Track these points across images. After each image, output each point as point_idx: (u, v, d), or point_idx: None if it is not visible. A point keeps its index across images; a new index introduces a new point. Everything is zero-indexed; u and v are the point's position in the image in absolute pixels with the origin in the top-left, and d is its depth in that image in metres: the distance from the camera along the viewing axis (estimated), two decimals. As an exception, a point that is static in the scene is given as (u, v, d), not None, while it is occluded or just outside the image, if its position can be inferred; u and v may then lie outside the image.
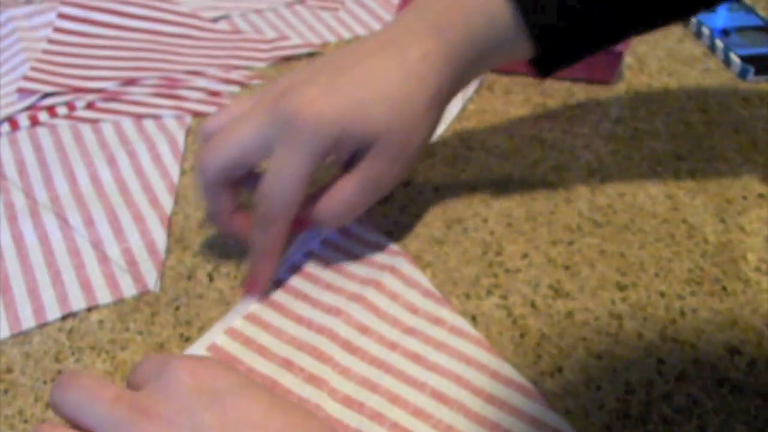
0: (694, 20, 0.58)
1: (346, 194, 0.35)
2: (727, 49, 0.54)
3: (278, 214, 0.35)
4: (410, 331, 0.35)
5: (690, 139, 0.48)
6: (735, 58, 0.54)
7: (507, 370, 0.33)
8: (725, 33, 0.56)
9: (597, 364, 0.34)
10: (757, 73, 0.52)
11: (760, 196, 0.43)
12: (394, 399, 0.32)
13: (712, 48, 0.56)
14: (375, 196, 0.36)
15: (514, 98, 0.51)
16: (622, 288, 0.38)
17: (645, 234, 0.41)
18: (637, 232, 0.41)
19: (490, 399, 0.32)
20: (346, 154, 0.35)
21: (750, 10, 0.60)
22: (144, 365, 0.29)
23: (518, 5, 0.35)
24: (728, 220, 0.42)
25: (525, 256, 0.40)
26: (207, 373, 0.26)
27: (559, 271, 0.39)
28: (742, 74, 0.53)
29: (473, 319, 0.36)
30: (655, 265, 0.39)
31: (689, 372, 0.34)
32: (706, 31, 0.57)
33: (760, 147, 0.47)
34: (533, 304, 0.37)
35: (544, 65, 0.38)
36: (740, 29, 0.57)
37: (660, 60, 0.55)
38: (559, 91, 0.52)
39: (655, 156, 0.46)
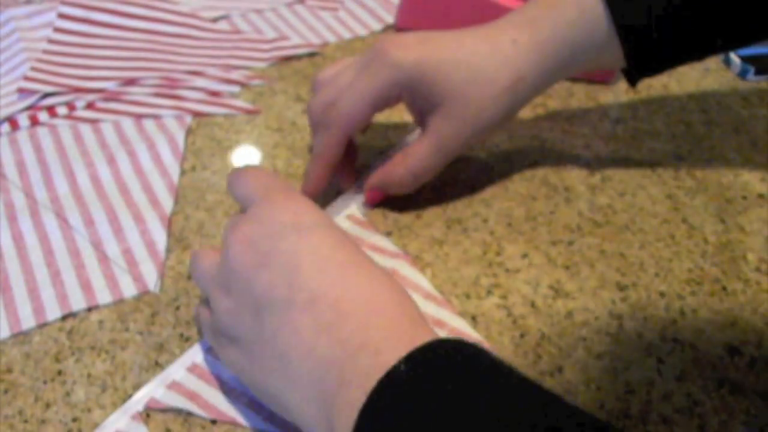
0: (694, 20, 0.58)
1: (418, 155, 0.39)
2: (727, 49, 0.54)
3: (337, 122, 0.38)
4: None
5: (690, 139, 0.48)
6: (735, 58, 0.54)
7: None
8: (725, 33, 0.56)
9: (597, 364, 0.34)
10: (757, 73, 0.52)
11: (760, 196, 0.43)
12: None
13: (712, 48, 0.56)
14: (443, 159, 0.40)
15: (514, 98, 0.51)
16: (622, 288, 0.38)
17: (645, 234, 0.41)
18: (637, 232, 0.41)
19: None
20: (415, 103, 0.39)
21: (750, 10, 0.60)
22: (246, 188, 0.34)
23: (608, 4, 0.37)
24: (728, 220, 0.42)
25: (525, 256, 0.40)
26: (297, 209, 0.31)
27: (559, 271, 0.39)
28: (742, 74, 0.53)
29: (473, 319, 0.36)
30: (655, 265, 0.39)
31: (689, 372, 0.34)
32: (706, 31, 0.57)
33: (760, 147, 0.47)
34: (533, 304, 0.37)
35: (633, 71, 0.40)
36: (740, 29, 0.57)
37: (660, 60, 0.55)
38: (559, 91, 0.52)
39: (655, 156, 0.46)
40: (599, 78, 0.52)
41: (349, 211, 0.42)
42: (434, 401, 0.23)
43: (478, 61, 0.38)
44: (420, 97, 0.38)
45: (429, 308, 0.36)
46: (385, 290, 0.28)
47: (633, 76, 0.40)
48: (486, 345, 0.34)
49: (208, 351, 0.35)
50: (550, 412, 0.23)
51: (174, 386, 0.33)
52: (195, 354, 0.35)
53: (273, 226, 0.30)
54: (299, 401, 0.27)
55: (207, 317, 0.33)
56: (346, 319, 0.27)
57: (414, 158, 0.39)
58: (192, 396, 0.33)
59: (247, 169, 0.35)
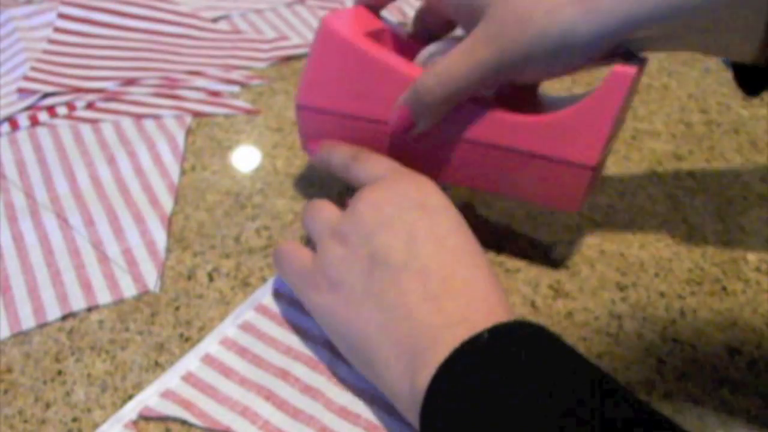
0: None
1: (447, 60, 0.33)
2: (727, 49, 0.54)
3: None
4: None
5: (690, 139, 0.48)
6: (735, 58, 0.53)
7: None
8: (725, 33, 0.56)
9: (597, 364, 0.34)
10: (757, 73, 0.52)
11: (760, 196, 0.43)
12: (391, 410, 0.32)
13: (712, 48, 0.56)
14: (477, 71, 0.32)
15: (514, 98, 0.51)
16: (622, 288, 0.38)
17: (645, 234, 0.41)
18: (637, 232, 0.41)
19: None
20: (459, 11, 0.34)
21: (750, 10, 0.60)
22: (375, 168, 0.35)
23: None
24: (728, 220, 0.42)
25: (525, 256, 0.40)
26: (425, 189, 0.33)
27: (559, 271, 0.39)
28: (742, 74, 0.53)
29: (473, 319, 0.36)
30: (655, 265, 0.39)
31: (689, 372, 0.34)
32: (706, 31, 0.56)
33: (760, 147, 0.47)
34: (533, 304, 0.37)
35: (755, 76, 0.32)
36: (740, 29, 0.57)
37: (660, 60, 0.55)
38: (560, 92, 0.52)
39: (655, 156, 0.46)
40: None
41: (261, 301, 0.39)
42: (507, 368, 0.25)
43: None
44: (462, 13, 0.33)
45: None
46: (487, 279, 0.30)
47: (756, 85, 0.32)
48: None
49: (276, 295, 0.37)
50: (619, 399, 0.24)
51: (168, 394, 0.33)
52: (190, 362, 0.35)
53: (401, 198, 0.32)
54: (388, 355, 0.29)
55: (305, 260, 0.34)
56: (451, 295, 0.29)
57: (442, 64, 0.33)
58: (187, 405, 0.33)
59: (368, 153, 0.37)
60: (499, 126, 0.34)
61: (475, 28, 0.32)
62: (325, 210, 0.35)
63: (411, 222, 0.31)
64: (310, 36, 0.57)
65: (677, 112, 0.50)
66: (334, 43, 0.36)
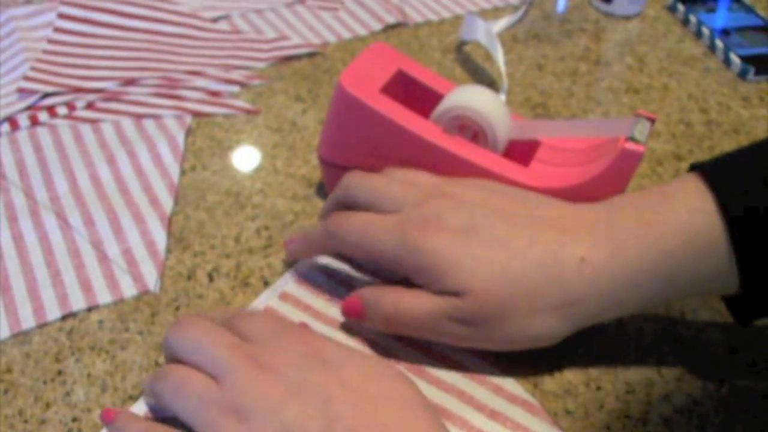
0: (693, 20, 0.58)
1: (415, 303, 0.32)
2: (727, 49, 0.54)
3: (338, 244, 0.35)
4: (411, 345, 0.35)
5: (690, 139, 0.48)
6: (735, 58, 0.54)
7: (510, 385, 0.33)
8: (725, 33, 0.56)
9: (597, 364, 0.34)
10: (757, 73, 0.52)
11: (760, 196, 0.43)
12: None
13: (712, 48, 0.56)
14: (431, 330, 0.32)
15: (514, 98, 0.51)
16: (622, 288, 0.38)
17: (645, 234, 0.41)
18: (637, 232, 0.41)
19: (493, 415, 0.32)
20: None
21: (750, 10, 0.60)
22: (256, 321, 0.31)
23: (730, 226, 0.28)
24: (728, 220, 0.42)
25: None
26: (318, 344, 0.29)
27: (559, 271, 0.39)
28: (742, 74, 0.53)
29: (473, 319, 0.36)
30: (655, 265, 0.39)
31: (689, 372, 0.34)
32: (706, 31, 0.57)
33: (760, 147, 0.47)
34: (533, 304, 0.37)
35: (745, 306, 0.31)
36: (740, 29, 0.57)
37: (660, 60, 0.55)
38: (559, 91, 0.52)
39: (655, 156, 0.46)
40: None
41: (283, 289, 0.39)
42: None
43: (521, 266, 0.30)
44: (428, 279, 0.32)
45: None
46: (424, 424, 0.27)
47: (748, 313, 0.31)
48: (489, 357, 0.34)
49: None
50: None
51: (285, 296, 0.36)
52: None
53: (299, 358, 0.28)
54: None
55: None
56: None
57: (408, 302, 0.32)
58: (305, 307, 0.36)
59: (244, 312, 0.33)
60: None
61: (444, 298, 0.31)
62: (194, 379, 0.29)
63: (320, 383, 0.27)
64: (310, 36, 0.57)
65: (677, 112, 0.50)
66: (350, 103, 0.37)
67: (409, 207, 0.33)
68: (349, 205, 0.36)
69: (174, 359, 0.31)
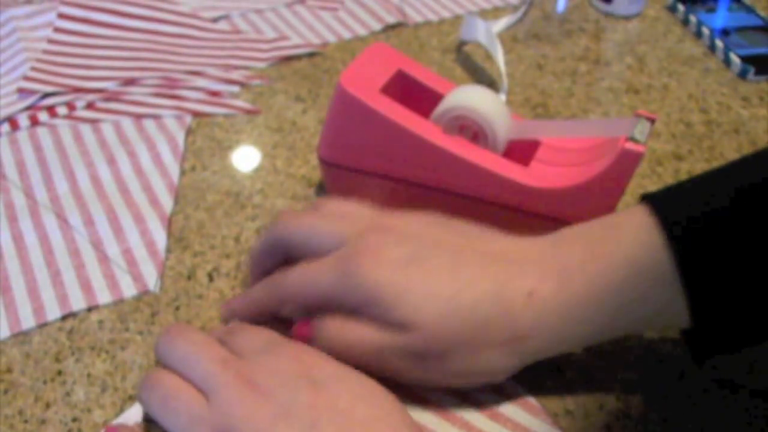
0: (693, 20, 0.58)
1: (358, 336, 0.31)
2: (727, 49, 0.54)
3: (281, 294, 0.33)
4: None
5: (690, 139, 0.48)
6: (735, 58, 0.54)
7: (511, 386, 0.33)
8: (725, 33, 0.56)
9: (597, 364, 0.34)
10: (757, 73, 0.52)
11: (760, 196, 0.43)
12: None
13: (712, 48, 0.56)
14: (376, 364, 0.31)
15: (514, 98, 0.51)
16: (622, 288, 0.38)
17: (645, 234, 0.41)
18: (637, 232, 0.41)
19: (494, 416, 0.32)
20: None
21: (750, 10, 0.60)
22: (249, 335, 0.31)
23: (680, 260, 0.27)
24: (728, 220, 0.42)
25: (525, 256, 0.39)
26: (310, 361, 0.29)
27: (559, 271, 0.39)
28: (742, 74, 0.53)
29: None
30: (655, 265, 0.39)
31: (689, 372, 0.34)
32: (706, 31, 0.57)
33: (760, 147, 0.47)
34: (533, 304, 0.37)
35: (702, 342, 0.30)
36: (740, 29, 0.57)
37: (660, 60, 0.55)
38: (559, 91, 0.52)
39: (655, 156, 0.46)
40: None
41: None
42: None
43: (468, 298, 0.29)
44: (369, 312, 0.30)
45: None
46: None
47: (702, 351, 0.30)
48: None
49: None
50: None
51: None
52: None
53: (287, 379, 0.28)
54: None
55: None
56: None
57: (353, 335, 0.31)
58: None
59: (242, 326, 0.32)
60: (516, 191, 0.36)
61: (388, 331, 0.30)
62: (183, 393, 0.28)
63: (308, 404, 0.27)
64: (310, 36, 0.57)
65: (677, 112, 0.50)
66: (350, 103, 0.37)
67: (347, 242, 0.32)
68: (283, 250, 0.34)
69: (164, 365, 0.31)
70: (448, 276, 0.30)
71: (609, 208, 0.36)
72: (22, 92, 0.50)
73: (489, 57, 0.55)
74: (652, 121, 0.35)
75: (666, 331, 0.36)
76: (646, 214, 0.29)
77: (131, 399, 0.33)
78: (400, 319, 0.29)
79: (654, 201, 0.29)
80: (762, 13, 0.59)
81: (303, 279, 0.32)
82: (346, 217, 0.34)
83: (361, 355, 0.31)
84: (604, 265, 0.29)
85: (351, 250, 0.31)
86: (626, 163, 0.34)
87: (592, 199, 0.34)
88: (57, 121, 0.49)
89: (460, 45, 0.57)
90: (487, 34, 0.53)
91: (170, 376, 0.29)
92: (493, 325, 0.29)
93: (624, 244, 0.29)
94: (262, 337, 0.31)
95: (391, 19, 0.59)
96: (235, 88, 0.52)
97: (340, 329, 0.31)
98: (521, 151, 0.38)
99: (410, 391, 0.32)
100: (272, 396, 0.27)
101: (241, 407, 0.27)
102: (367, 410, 0.27)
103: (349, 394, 0.27)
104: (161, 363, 0.31)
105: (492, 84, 0.53)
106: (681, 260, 0.27)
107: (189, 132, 0.48)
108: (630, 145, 0.33)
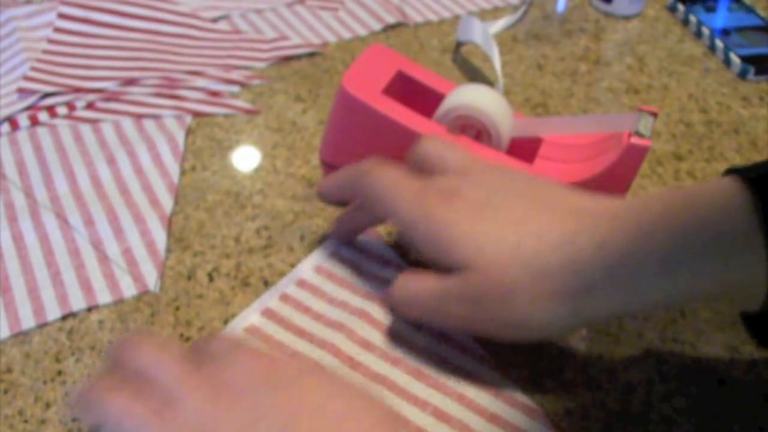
0: (693, 20, 0.58)
1: (423, 292, 0.32)
2: (727, 49, 0.54)
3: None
4: (413, 348, 0.35)
5: (690, 139, 0.48)
6: (735, 58, 0.54)
7: (511, 389, 0.33)
8: (725, 33, 0.56)
9: (597, 364, 0.34)
10: (757, 73, 0.52)
11: (760, 196, 0.43)
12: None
13: (712, 48, 0.56)
14: (441, 319, 0.32)
15: (514, 98, 0.51)
16: (622, 288, 0.38)
17: (645, 234, 0.41)
18: (637, 232, 0.41)
19: (493, 418, 0.32)
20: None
21: (750, 10, 0.60)
22: (214, 344, 0.29)
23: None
24: (728, 220, 0.41)
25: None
26: (274, 362, 0.28)
27: (559, 271, 0.39)
28: (742, 74, 0.53)
29: (473, 319, 0.36)
30: (655, 265, 0.39)
31: (689, 372, 0.34)
32: (706, 31, 0.57)
33: (760, 147, 0.47)
34: (533, 304, 0.37)
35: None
36: (740, 29, 0.57)
37: (660, 60, 0.55)
38: (559, 92, 0.52)
39: (655, 156, 0.46)
40: None
41: (317, 262, 0.39)
42: None
43: (533, 246, 0.29)
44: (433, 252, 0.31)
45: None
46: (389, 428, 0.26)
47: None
48: (490, 361, 0.34)
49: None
50: None
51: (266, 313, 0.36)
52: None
53: (251, 379, 0.27)
54: None
55: None
56: None
57: (416, 288, 0.32)
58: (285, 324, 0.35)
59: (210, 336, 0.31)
60: None
61: (450, 276, 0.30)
62: (140, 407, 0.26)
63: (278, 405, 0.26)
64: (310, 36, 0.57)
65: (677, 112, 0.50)
66: (353, 105, 0.37)
67: (436, 176, 0.33)
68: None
69: (112, 371, 0.28)
70: (518, 224, 0.30)
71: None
72: (22, 92, 0.50)
73: (488, 57, 0.55)
74: (655, 115, 0.35)
75: (666, 329, 0.36)
76: (735, 182, 0.27)
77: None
78: (460, 260, 0.30)
79: (742, 172, 0.28)
80: (762, 13, 0.59)
81: (388, 189, 0.33)
82: (445, 156, 0.34)
83: (425, 303, 0.31)
84: (686, 224, 0.27)
85: (433, 185, 0.32)
86: (632, 157, 0.34)
87: (602, 192, 0.34)
88: (57, 121, 0.49)
89: (460, 45, 0.57)
90: (483, 35, 0.53)
91: (121, 391, 0.26)
92: (557, 274, 0.28)
93: (710, 206, 0.27)
94: (226, 342, 0.29)
95: (391, 19, 0.59)
96: (235, 88, 0.52)
97: (401, 281, 0.33)
98: (524, 149, 0.38)
99: (408, 392, 0.33)
100: (240, 401, 0.26)
101: (211, 415, 0.26)
102: (343, 404, 0.26)
103: (320, 390, 0.27)
104: (113, 367, 0.29)
105: (491, 84, 0.53)
106: (765, 224, 0.26)
107: (189, 132, 0.48)
108: (636, 140, 0.33)
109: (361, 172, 0.34)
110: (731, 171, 0.29)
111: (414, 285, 0.32)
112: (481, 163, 0.34)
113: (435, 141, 0.35)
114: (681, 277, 0.27)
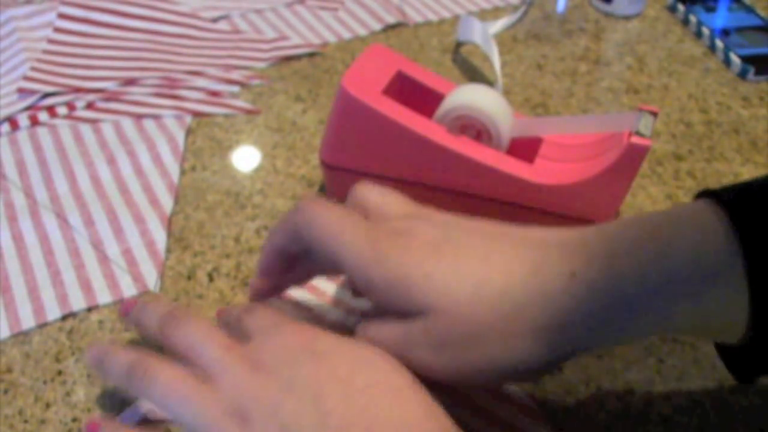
0: (693, 20, 0.58)
1: (386, 338, 0.29)
2: (727, 49, 0.54)
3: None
4: None
5: (690, 139, 0.48)
6: (735, 58, 0.54)
7: (511, 389, 0.33)
8: (725, 33, 0.56)
9: (597, 364, 0.34)
10: (757, 73, 0.52)
11: (760, 196, 0.43)
12: None
13: (712, 48, 0.56)
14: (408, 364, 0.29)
15: (514, 98, 0.51)
16: (622, 288, 0.38)
17: (645, 234, 0.41)
18: (637, 232, 0.41)
19: (493, 418, 0.32)
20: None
21: (750, 10, 0.60)
22: (256, 316, 0.30)
23: (747, 252, 0.24)
24: (728, 220, 0.42)
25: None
26: (312, 335, 0.29)
27: (559, 271, 0.39)
28: (742, 74, 0.53)
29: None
30: (655, 265, 0.39)
31: (689, 372, 0.34)
32: (706, 31, 0.57)
33: (760, 147, 0.47)
34: (533, 304, 0.37)
35: (751, 354, 0.27)
36: (740, 29, 0.57)
37: (660, 60, 0.55)
38: (559, 92, 0.52)
39: (655, 156, 0.46)
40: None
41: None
42: None
43: (500, 282, 0.27)
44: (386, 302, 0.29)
45: None
46: (414, 407, 0.26)
47: (752, 367, 0.28)
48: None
49: None
50: None
51: None
52: None
53: (289, 353, 0.28)
54: None
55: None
56: None
57: (380, 336, 0.29)
58: None
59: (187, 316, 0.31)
60: (523, 188, 0.36)
61: (412, 321, 0.28)
62: (188, 381, 0.28)
63: (310, 376, 0.27)
64: (310, 36, 0.57)
65: (677, 112, 0.50)
66: (354, 106, 0.37)
67: (381, 219, 0.30)
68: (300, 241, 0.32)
69: (149, 343, 0.30)
70: (481, 260, 0.27)
71: (615, 203, 0.36)
72: (22, 92, 0.50)
73: (487, 57, 0.55)
74: (655, 114, 0.35)
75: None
76: (709, 204, 0.26)
77: (131, 399, 0.33)
78: (422, 303, 0.27)
79: (716, 194, 0.26)
80: (762, 13, 0.59)
81: (331, 230, 0.29)
82: (387, 201, 0.32)
83: (388, 351, 0.29)
84: (660, 250, 0.26)
85: (382, 227, 0.29)
86: (633, 157, 0.34)
87: (599, 195, 0.34)
88: (57, 121, 0.49)
89: (460, 45, 0.57)
90: (483, 35, 0.53)
91: (167, 364, 0.29)
92: (527, 310, 0.26)
93: (684, 230, 0.26)
94: (268, 316, 0.31)
95: (391, 19, 0.59)
96: (235, 88, 0.52)
97: (364, 329, 0.30)
98: (524, 148, 0.38)
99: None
100: (276, 373, 0.27)
101: (249, 387, 0.27)
102: (368, 376, 0.27)
103: (348, 363, 0.27)
104: (156, 344, 0.30)
105: (489, 84, 0.53)
106: (747, 253, 0.24)
107: (189, 132, 0.48)
108: (636, 140, 0.33)
109: (295, 211, 0.31)
110: (703, 194, 0.27)
111: (373, 333, 0.29)
112: (427, 209, 0.31)
113: (371, 187, 0.32)
114: (655, 310, 0.26)
